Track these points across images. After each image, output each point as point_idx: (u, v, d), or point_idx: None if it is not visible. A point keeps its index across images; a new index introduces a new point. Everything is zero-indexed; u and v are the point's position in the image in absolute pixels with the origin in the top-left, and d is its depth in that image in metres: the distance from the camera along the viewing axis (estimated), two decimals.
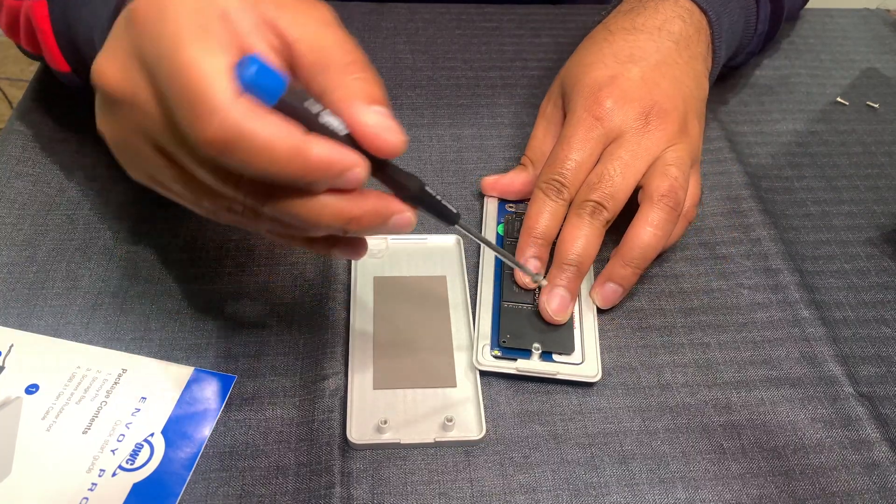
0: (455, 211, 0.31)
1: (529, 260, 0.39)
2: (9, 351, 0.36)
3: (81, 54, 0.39)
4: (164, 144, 0.27)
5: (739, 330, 0.40)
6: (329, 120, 0.26)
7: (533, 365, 0.37)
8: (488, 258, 0.42)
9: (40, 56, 0.44)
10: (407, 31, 0.60)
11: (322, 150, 0.25)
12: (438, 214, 0.30)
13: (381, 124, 0.26)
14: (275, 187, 0.26)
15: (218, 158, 0.24)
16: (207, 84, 0.23)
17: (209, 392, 0.35)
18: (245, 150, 0.24)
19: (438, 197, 0.30)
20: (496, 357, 0.37)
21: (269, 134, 0.24)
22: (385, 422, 0.34)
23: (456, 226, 0.31)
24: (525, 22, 0.62)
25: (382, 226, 0.28)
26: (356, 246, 0.32)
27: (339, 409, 0.35)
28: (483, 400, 0.36)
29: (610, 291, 0.40)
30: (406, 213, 0.28)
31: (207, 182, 0.27)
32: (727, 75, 0.58)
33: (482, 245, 0.42)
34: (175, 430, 0.34)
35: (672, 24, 0.45)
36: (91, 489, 0.32)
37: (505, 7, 0.63)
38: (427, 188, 0.29)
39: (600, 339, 0.39)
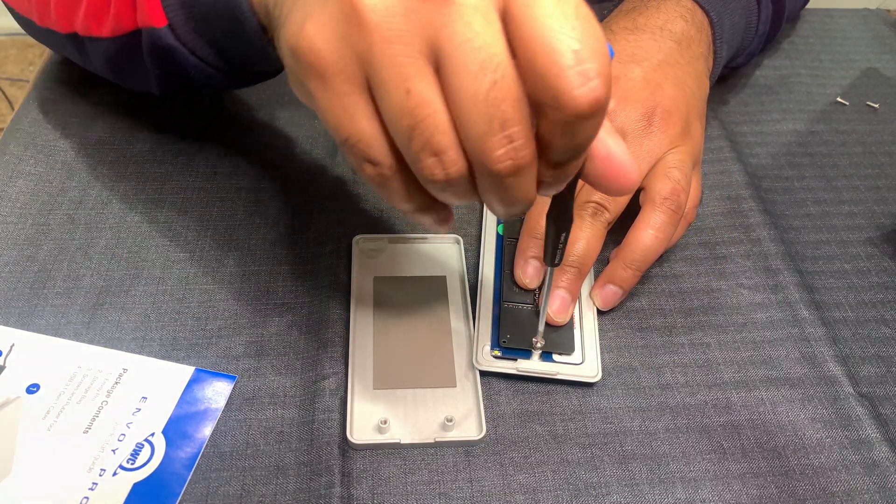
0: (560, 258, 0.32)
1: (530, 260, 0.39)
2: (9, 350, 0.36)
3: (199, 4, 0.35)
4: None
5: (739, 330, 0.40)
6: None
7: (533, 365, 0.37)
8: (488, 258, 0.42)
9: (50, 29, 0.42)
10: None
11: (623, 152, 0.25)
12: (551, 251, 0.31)
13: (630, 162, 0.25)
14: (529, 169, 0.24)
15: (575, 123, 0.23)
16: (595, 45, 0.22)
17: (209, 392, 0.36)
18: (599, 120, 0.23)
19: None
20: (496, 357, 0.37)
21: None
22: (385, 422, 0.34)
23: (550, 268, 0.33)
24: None
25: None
26: (449, 221, 0.30)
27: (339, 409, 0.35)
28: (483, 400, 0.36)
29: (610, 293, 0.40)
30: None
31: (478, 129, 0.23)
32: (727, 75, 0.58)
33: (482, 245, 0.42)
34: (175, 429, 0.34)
35: (674, 24, 0.45)
36: (91, 489, 0.32)
37: None
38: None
39: (600, 340, 0.39)
